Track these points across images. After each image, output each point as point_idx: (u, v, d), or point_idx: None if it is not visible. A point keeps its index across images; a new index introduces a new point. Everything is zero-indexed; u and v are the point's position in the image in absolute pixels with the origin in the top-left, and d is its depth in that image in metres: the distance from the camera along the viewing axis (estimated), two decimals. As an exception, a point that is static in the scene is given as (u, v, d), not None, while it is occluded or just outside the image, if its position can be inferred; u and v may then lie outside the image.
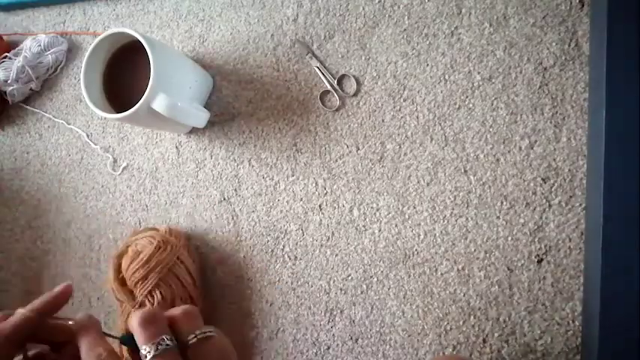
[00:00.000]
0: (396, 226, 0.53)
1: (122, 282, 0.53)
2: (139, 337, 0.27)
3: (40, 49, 0.65)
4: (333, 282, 0.54)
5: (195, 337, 0.28)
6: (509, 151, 0.50)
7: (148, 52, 0.49)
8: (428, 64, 0.53)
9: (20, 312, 0.29)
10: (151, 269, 0.50)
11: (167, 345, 0.27)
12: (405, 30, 0.54)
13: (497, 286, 0.49)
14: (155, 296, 0.50)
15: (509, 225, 0.49)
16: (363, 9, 0.56)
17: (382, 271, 0.53)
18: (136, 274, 0.51)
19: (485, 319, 0.49)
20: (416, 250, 0.52)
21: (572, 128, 0.48)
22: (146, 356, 0.27)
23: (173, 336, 0.28)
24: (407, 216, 0.52)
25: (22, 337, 0.29)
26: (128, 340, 0.29)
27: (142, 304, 0.50)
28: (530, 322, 0.48)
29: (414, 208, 0.52)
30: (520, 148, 0.50)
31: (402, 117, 0.53)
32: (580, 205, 0.48)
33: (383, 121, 0.54)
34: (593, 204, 0.45)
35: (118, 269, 0.53)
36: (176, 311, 0.29)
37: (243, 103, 0.59)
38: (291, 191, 0.56)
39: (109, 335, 0.30)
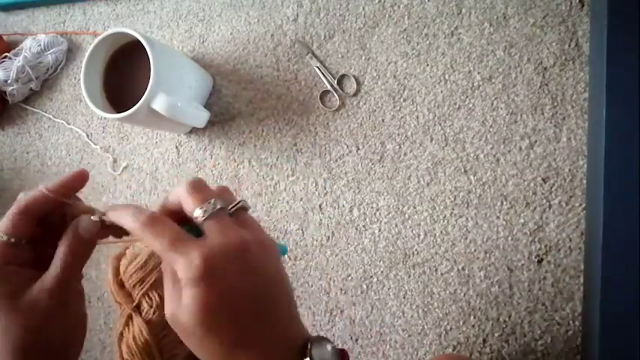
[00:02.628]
0: (396, 226, 0.53)
1: (121, 284, 0.52)
2: (191, 200, 0.28)
3: (40, 49, 0.65)
4: (333, 282, 0.54)
5: (235, 206, 0.30)
6: (509, 151, 0.50)
7: (148, 52, 0.49)
8: (428, 64, 0.53)
9: (38, 188, 0.30)
10: (148, 272, 0.50)
11: (220, 207, 0.28)
12: (405, 30, 0.54)
13: (497, 286, 0.49)
14: (153, 298, 0.50)
15: (509, 225, 0.49)
16: (363, 9, 0.56)
17: (382, 271, 0.53)
18: (133, 277, 0.51)
19: (486, 319, 0.49)
20: (416, 250, 0.52)
21: (572, 128, 0.48)
22: (203, 215, 0.28)
23: None
24: (407, 216, 0.52)
25: (37, 211, 0.30)
26: None
27: (139, 305, 0.50)
28: (531, 322, 0.48)
29: (414, 208, 0.52)
30: (520, 148, 0.50)
31: (402, 117, 0.53)
32: (580, 205, 0.48)
33: (383, 121, 0.54)
34: (593, 204, 0.45)
35: (117, 271, 0.53)
36: (213, 187, 0.30)
37: (243, 103, 0.59)
38: (291, 191, 0.56)
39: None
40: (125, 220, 0.28)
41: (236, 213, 0.30)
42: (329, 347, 0.28)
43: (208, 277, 0.26)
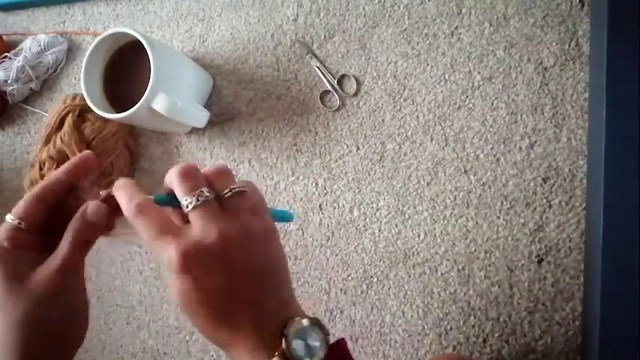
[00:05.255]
0: (396, 226, 0.53)
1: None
2: (179, 189, 0.29)
3: (40, 49, 0.65)
4: (333, 282, 0.54)
5: (230, 191, 0.30)
6: (509, 151, 0.50)
7: (148, 52, 0.49)
8: (428, 64, 0.53)
9: (52, 174, 0.32)
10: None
11: (206, 197, 0.29)
12: (405, 30, 0.54)
13: (497, 286, 0.49)
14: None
15: (509, 225, 0.49)
16: (363, 9, 0.56)
17: (382, 271, 0.53)
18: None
19: (486, 319, 0.49)
20: (416, 250, 0.52)
21: (572, 128, 0.48)
22: (187, 207, 0.29)
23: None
24: (407, 216, 0.52)
25: (50, 197, 0.31)
26: (162, 199, 0.30)
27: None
28: (531, 322, 0.48)
29: (414, 208, 0.52)
30: (520, 148, 0.50)
31: (402, 117, 0.53)
32: (580, 205, 0.48)
33: (383, 121, 0.54)
34: (593, 204, 0.45)
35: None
36: (210, 170, 0.31)
37: (243, 103, 0.59)
38: (291, 191, 0.56)
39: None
40: (121, 202, 0.29)
41: (230, 198, 0.30)
42: (306, 322, 0.28)
43: (184, 272, 0.27)
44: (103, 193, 0.31)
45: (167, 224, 0.28)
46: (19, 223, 0.30)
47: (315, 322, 0.28)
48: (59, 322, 0.30)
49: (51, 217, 0.31)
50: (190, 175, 0.30)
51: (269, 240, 0.30)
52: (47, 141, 0.59)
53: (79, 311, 0.32)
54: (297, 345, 0.27)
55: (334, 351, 0.29)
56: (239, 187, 0.30)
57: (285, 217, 0.34)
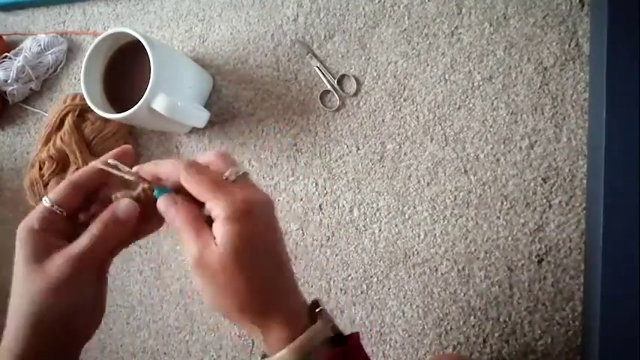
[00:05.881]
0: (396, 226, 0.53)
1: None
2: (224, 163, 0.31)
3: (40, 49, 0.65)
4: (334, 282, 0.54)
5: (239, 171, 0.31)
6: (509, 151, 0.50)
7: (148, 52, 0.49)
8: (428, 64, 0.53)
9: (91, 164, 0.32)
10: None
11: (243, 172, 0.31)
12: (405, 30, 0.54)
13: (497, 286, 0.49)
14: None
15: (509, 225, 0.49)
16: (363, 9, 0.56)
17: (382, 271, 0.53)
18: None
19: (486, 319, 0.49)
20: (416, 250, 0.52)
21: (572, 128, 0.48)
22: (238, 172, 0.30)
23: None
24: (407, 216, 0.52)
25: (87, 185, 0.31)
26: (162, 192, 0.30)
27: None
28: (531, 322, 0.48)
29: (414, 208, 0.52)
30: (520, 148, 0.50)
31: (402, 117, 0.53)
32: (580, 205, 0.48)
33: (383, 121, 0.54)
34: (593, 204, 0.45)
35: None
36: (212, 157, 0.31)
37: (243, 103, 0.59)
38: (291, 191, 0.56)
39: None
40: (167, 169, 0.30)
41: (241, 177, 0.31)
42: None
43: (249, 216, 0.28)
44: (135, 168, 0.31)
45: (222, 180, 0.30)
46: (53, 206, 0.30)
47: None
48: (67, 312, 0.30)
49: (86, 205, 0.32)
50: (228, 157, 0.32)
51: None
52: (47, 141, 0.59)
53: (90, 305, 0.31)
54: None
55: (352, 340, 0.31)
56: (240, 172, 0.31)
57: None
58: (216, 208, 0.28)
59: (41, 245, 0.30)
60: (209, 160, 0.31)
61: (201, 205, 0.30)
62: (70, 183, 0.31)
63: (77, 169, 0.58)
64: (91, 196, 0.32)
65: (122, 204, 0.30)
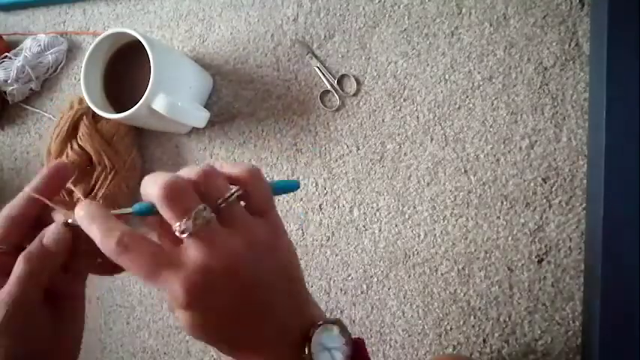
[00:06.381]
0: (396, 226, 0.53)
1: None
2: (168, 214, 0.24)
3: (40, 49, 0.65)
4: (333, 282, 0.54)
5: (225, 201, 0.26)
6: (509, 151, 0.50)
7: (148, 52, 0.49)
8: (428, 64, 0.53)
9: (23, 191, 0.28)
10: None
11: (204, 218, 0.24)
12: (405, 30, 0.54)
13: (497, 286, 0.49)
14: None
15: (509, 225, 0.49)
16: (363, 9, 0.56)
17: (382, 271, 0.53)
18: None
19: (486, 319, 0.49)
20: (416, 250, 0.52)
21: (572, 128, 0.48)
22: (183, 233, 0.24)
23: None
24: (407, 216, 0.52)
25: (24, 216, 0.28)
26: (143, 209, 0.26)
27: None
28: (531, 322, 0.48)
29: (414, 208, 0.52)
30: (520, 148, 0.50)
31: (402, 117, 0.53)
32: (580, 205, 0.48)
33: (383, 121, 0.54)
34: (593, 204, 0.45)
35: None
36: (192, 173, 0.26)
37: (243, 103, 0.59)
38: (291, 191, 0.56)
39: (121, 213, 0.27)
40: (93, 234, 0.25)
41: (226, 208, 0.26)
42: (335, 331, 0.27)
43: (193, 305, 0.24)
44: (70, 220, 0.27)
45: (160, 255, 0.24)
46: None
47: (338, 324, 0.28)
48: (13, 358, 0.26)
49: (31, 235, 0.28)
50: (178, 195, 0.25)
51: (278, 244, 0.28)
52: (61, 149, 0.58)
53: (44, 348, 0.28)
54: (323, 355, 0.26)
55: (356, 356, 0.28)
56: (235, 191, 0.26)
57: (291, 187, 0.31)
58: (164, 292, 0.25)
59: None
60: (192, 177, 0.26)
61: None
62: (4, 217, 0.28)
63: (104, 169, 0.57)
64: (35, 223, 0.28)
65: (48, 232, 0.27)
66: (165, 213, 0.25)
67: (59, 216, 0.28)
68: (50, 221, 0.28)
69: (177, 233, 0.24)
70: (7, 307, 0.26)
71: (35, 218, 0.29)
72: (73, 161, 0.57)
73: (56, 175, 0.29)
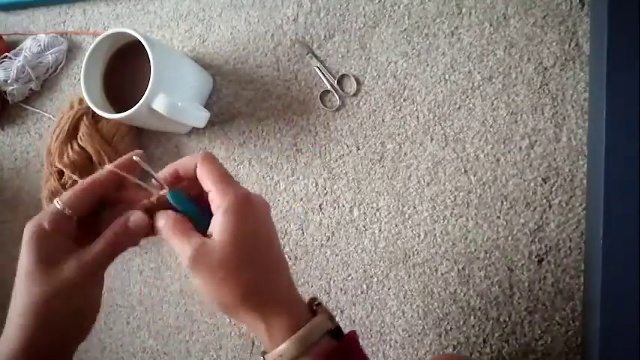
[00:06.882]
0: (396, 226, 0.53)
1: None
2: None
3: (40, 49, 0.65)
4: (334, 282, 0.54)
5: None
6: (509, 151, 0.50)
7: (148, 52, 0.49)
8: (428, 64, 0.53)
9: (105, 167, 0.32)
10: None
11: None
12: (405, 30, 0.54)
13: (497, 286, 0.49)
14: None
15: (509, 225, 0.49)
16: (364, 9, 0.56)
17: (382, 271, 0.53)
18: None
19: (486, 319, 0.49)
20: (416, 250, 0.52)
21: (572, 128, 0.48)
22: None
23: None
24: (407, 216, 0.52)
25: (100, 190, 0.32)
26: (179, 199, 0.32)
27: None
28: (531, 322, 0.48)
29: (414, 208, 0.52)
30: (520, 148, 0.50)
31: (402, 117, 0.53)
32: (580, 205, 0.48)
33: (383, 121, 0.54)
34: (593, 204, 0.45)
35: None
36: (197, 157, 0.32)
37: (243, 103, 0.59)
38: (291, 191, 0.56)
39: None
40: (184, 162, 0.32)
41: None
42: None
43: (248, 210, 0.30)
44: (146, 201, 0.32)
45: (228, 175, 0.31)
46: (64, 208, 0.30)
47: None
48: (71, 314, 0.30)
49: (97, 209, 0.32)
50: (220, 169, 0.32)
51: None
52: (62, 148, 0.58)
53: (92, 308, 0.32)
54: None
55: (349, 336, 0.31)
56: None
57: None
58: (218, 198, 0.30)
59: (51, 246, 0.30)
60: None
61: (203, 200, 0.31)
62: (82, 187, 0.31)
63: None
64: (103, 200, 0.32)
65: (135, 216, 0.31)
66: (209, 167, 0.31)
67: (136, 193, 0.33)
68: (118, 200, 0.33)
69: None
70: (90, 267, 0.30)
71: (106, 194, 0.32)
72: (73, 161, 0.57)
73: (132, 162, 0.33)
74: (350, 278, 0.54)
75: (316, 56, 0.57)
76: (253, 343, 0.57)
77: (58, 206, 0.31)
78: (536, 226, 0.48)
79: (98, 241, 0.31)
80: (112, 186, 0.32)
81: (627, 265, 0.40)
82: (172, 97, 0.50)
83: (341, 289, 0.54)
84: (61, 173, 0.59)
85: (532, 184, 0.49)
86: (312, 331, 0.29)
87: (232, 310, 0.30)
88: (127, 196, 0.33)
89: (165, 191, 0.32)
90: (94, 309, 0.33)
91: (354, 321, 0.53)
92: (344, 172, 0.55)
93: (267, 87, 0.58)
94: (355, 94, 0.55)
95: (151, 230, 0.32)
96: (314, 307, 0.32)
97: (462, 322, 0.50)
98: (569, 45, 0.49)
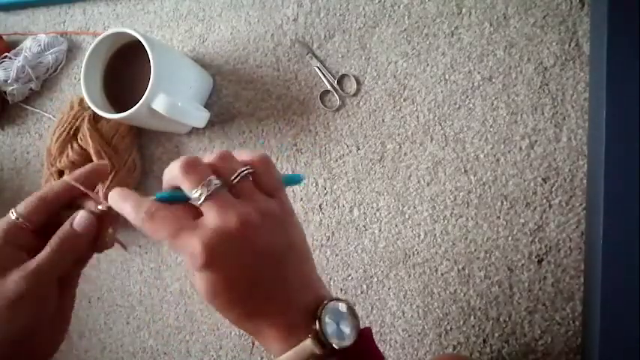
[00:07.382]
0: (396, 226, 0.53)
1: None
2: (186, 183, 0.28)
3: (40, 49, 0.65)
4: (334, 282, 0.54)
5: (238, 175, 0.29)
6: (509, 151, 0.50)
7: (148, 52, 0.49)
8: (428, 64, 0.53)
9: (63, 179, 0.32)
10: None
11: (216, 184, 0.27)
12: (405, 30, 0.54)
13: (497, 286, 0.49)
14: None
15: (509, 225, 0.49)
16: (364, 9, 0.56)
17: (382, 271, 0.53)
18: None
19: (486, 319, 0.49)
20: (416, 250, 0.52)
21: (572, 128, 0.48)
22: (199, 199, 0.27)
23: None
24: (407, 216, 0.52)
25: (56, 201, 0.31)
26: (164, 196, 0.29)
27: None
28: (531, 322, 0.48)
29: (414, 208, 0.52)
30: (520, 148, 0.50)
31: (402, 117, 0.53)
32: (580, 205, 0.48)
33: (383, 121, 0.54)
34: (593, 204, 0.45)
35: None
36: (211, 158, 0.29)
37: (243, 103, 0.59)
38: (291, 191, 0.56)
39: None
40: (126, 211, 0.28)
41: (240, 183, 0.29)
42: (343, 307, 0.28)
43: (211, 264, 0.26)
44: (100, 207, 0.31)
45: (182, 220, 0.27)
46: (18, 219, 0.30)
47: (350, 307, 0.28)
48: (24, 331, 0.29)
49: (53, 221, 0.31)
50: (194, 166, 0.28)
51: (288, 220, 0.30)
52: (62, 149, 0.58)
53: (50, 323, 0.30)
54: (331, 327, 0.27)
55: (362, 339, 0.28)
56: (247, 169, 0.29)
57: (295, 180, 0.35)
58: (183, 256, 0.27)
59: (2, 259, 0.29)
60: (209, 163, 0.29)
61: None
62: (37, 197, 0.30)
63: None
64: (59, 211, 0.31)
65: (78, 218, 0.30)
66: (184, 183, 0.28)
67: (90, 204, 0.31)
68: (74, 211, 0.31)
69: (194, 202, 0.27)
70: (35, 277, 0.28)
71: (63, 205, 0.31)
72: (73, 161, 0.57)
73: (95, 173, 0.33)
74: (350, 278, 0.54)
75: (316, 56, 0.57)
76: (253, 343, 0.57)
77: (12, 217, 0.29)
78: (536, 226, 0.48)
79: (45, 249, 0.29)
80: (66, 196, 0.31)
81: (627, 265, 0.40)
82: (172, 97, 0.50)
83: (341, 289, 0.54)
84: (61, 173, 0.59)
85: (532, 184, 0.49)
86: (297, 355, 0.27)
87: (227, 317, 0.29)
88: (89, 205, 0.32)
89: (103, 206, 0.31)
90: (53, 325, 0.30)
91: (354, 321, 0.53)
92: (344, 172, 0.55)
93: (267, 87, 0.58)
94: (355, 94, 0.55)
95: (107, 239, 0.31)
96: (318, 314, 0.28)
97: (462, 322, 0.50)
98: (569, 45, 0.49)
